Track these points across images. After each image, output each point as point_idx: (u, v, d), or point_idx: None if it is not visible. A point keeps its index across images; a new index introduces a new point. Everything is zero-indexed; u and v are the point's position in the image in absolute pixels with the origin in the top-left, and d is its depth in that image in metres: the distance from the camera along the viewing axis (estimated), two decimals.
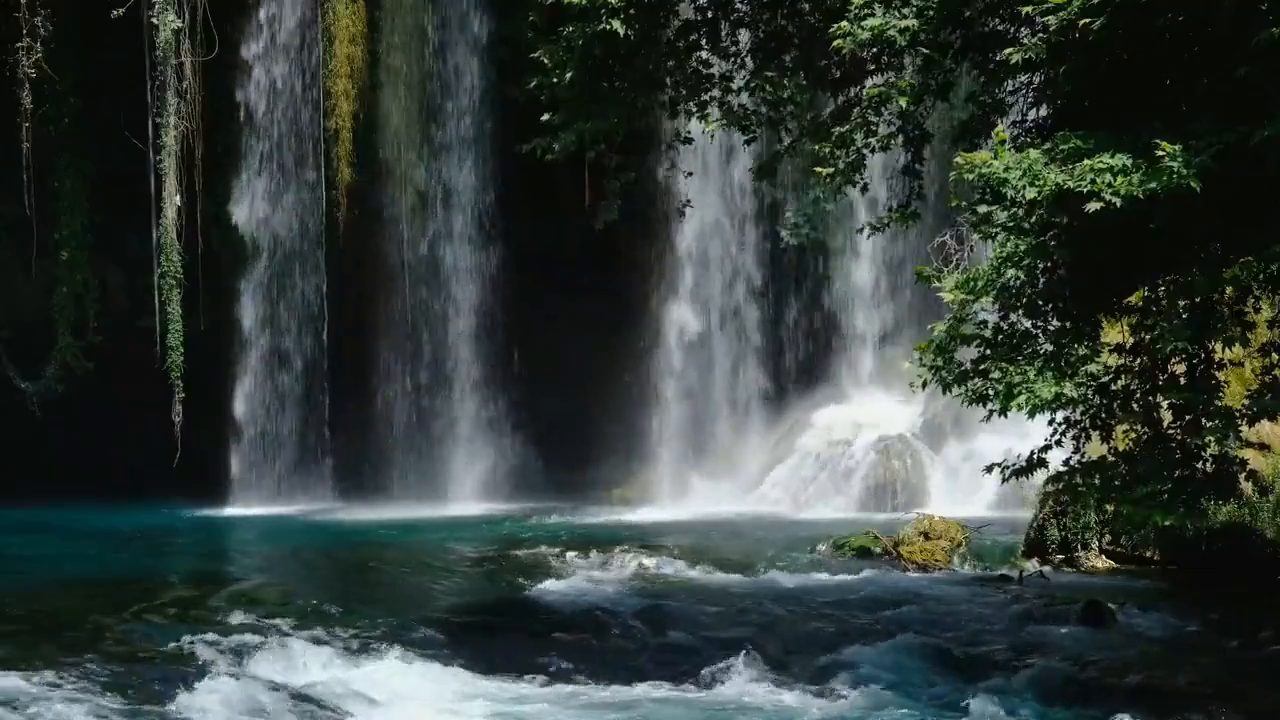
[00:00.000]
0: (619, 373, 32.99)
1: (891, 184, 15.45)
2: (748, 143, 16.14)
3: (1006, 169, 11.08)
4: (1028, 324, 11.99)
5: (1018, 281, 11.62)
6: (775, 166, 16.51)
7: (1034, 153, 11.20)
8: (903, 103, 13.08)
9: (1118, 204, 10.59)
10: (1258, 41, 10.58)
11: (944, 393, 12.10)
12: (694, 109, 15.88)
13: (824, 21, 13.92)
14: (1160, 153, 10.48)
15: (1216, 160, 10.45)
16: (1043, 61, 11.96)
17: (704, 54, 15.70)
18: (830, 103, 15.10)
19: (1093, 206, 10.65)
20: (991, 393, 11.64)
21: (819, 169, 14.18)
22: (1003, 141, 11.50)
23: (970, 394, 11.84)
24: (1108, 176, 10.62)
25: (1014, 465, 12.62)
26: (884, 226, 14.48)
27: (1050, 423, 12.21)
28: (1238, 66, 10.80)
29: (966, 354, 12.07)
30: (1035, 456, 12.54)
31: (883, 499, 29.57)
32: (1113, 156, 10.69)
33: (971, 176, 11.30)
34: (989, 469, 12.96)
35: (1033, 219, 11.16)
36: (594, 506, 30.48)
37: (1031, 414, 11.58)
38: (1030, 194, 10.90)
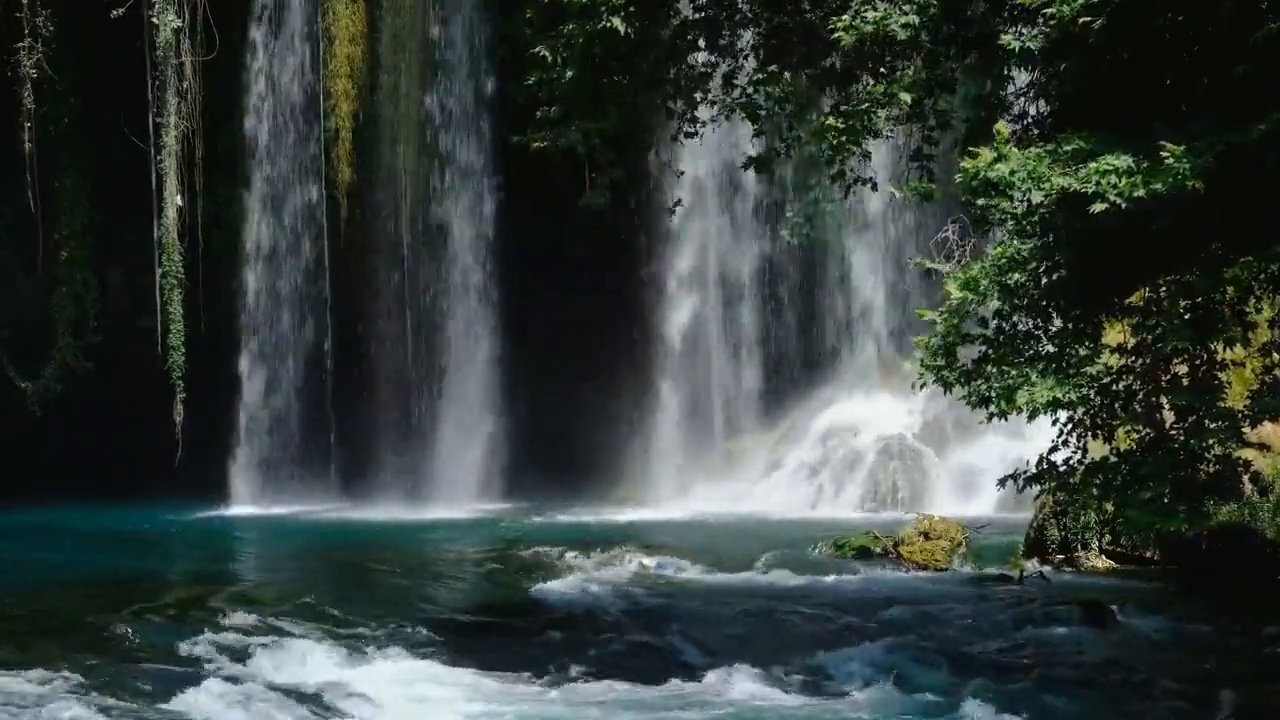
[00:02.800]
0: (619, 372, 32.98)
1: (900, 178, 15.35)
2: (756, 135, 16.10)
3: (1012, 173, 11.03)
4: (1029, 324, 11.96)
5: (1019, 282, 11.60)
6: (772, 161, 16.45)
7: (1035, 150, 11.15)
8: (907, 98, 13.04)
9: (1121, 205, 10.57)
10: (1256, 40, 10.57)
11: (945, 393, 12.08)
12: (695, 105, 15.83)
13: (824, 20, 13.90)
14: (1165, 154, 10.46)
15: (1218, 161, 10.43)
16: (1043, 52, 11.94)
17: (704, 53, 15.68)
18: (831, 101, 15.06)
19: (1098, 208, 10.62)
20: (993, 394, 11.61)
21: (827, 162, 14.07)
22: (1005, 141, 11.45)
23: (972, 395, 11.81)
24: (1111, 178, 10.59)
25: (1025, 473, 12.58)
26: (909, 191, 14.33)
27: (1054, 423, 12.17)
28: (1237, 65, 10.79)
29: (968, 353, 12.05)
30: (1044, 461, 12.49)
31: (883, 499, 29.56)
32: (1117, 158, 10.66)
33: (976, 181, 11.23)
34: (1002, 482, 12.91)
35: (1034, 218, 11.13)
36: (594, 506, 30.47)
37: (1031, 416, 11.56)
38: (1036, 197, 10.86)
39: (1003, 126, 11.65)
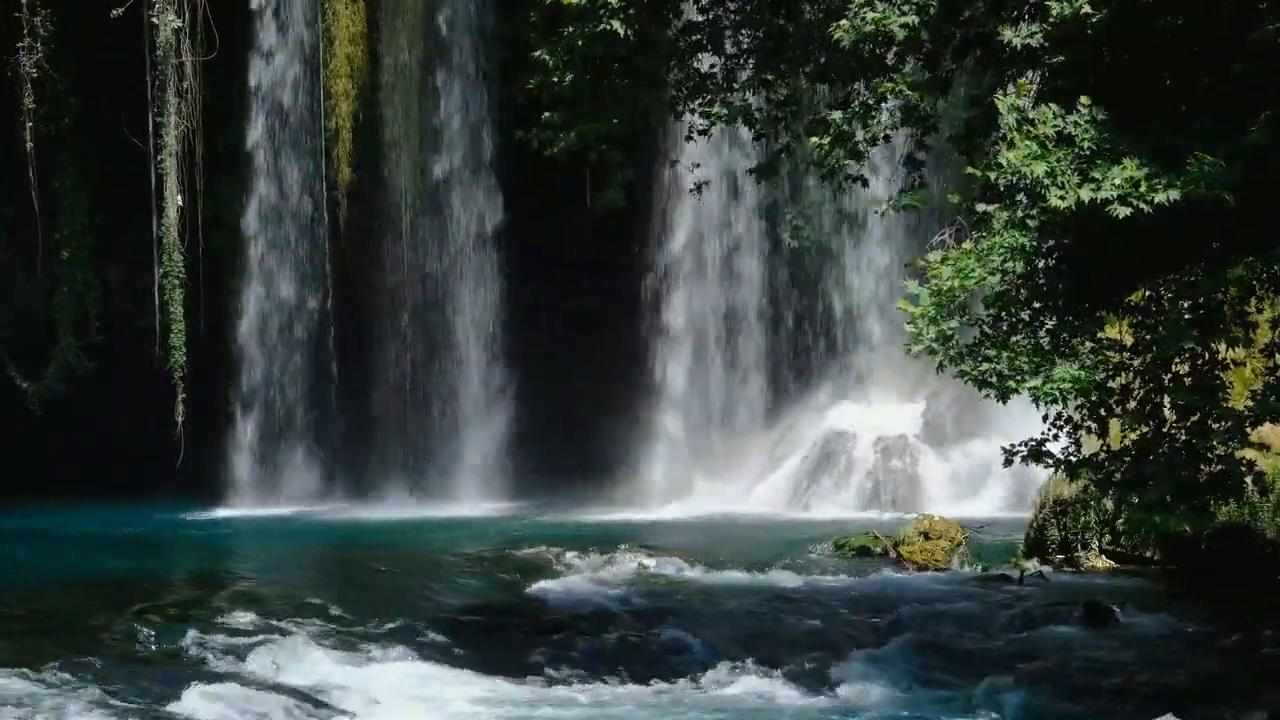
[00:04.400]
0: (619, 372, 32.99)
1: (893, 181, 15.34)
2: (757, 139, 16.09)
3: (1047, 173, 10.88)
4: (1028, 314, 11.92)
5: (1020, 272, 11.54)
6: (775, 167, 16.47)
7: (1049, 128, 11.02)
8: (910, 94, 12.99)
9: (1145, 209, 10.49)
10: (1252, 40, 10.56)
11: (938, 371, 12.01)
12: (695, 108, 15.83)
13: (824, 21, 13.90)
14: (1191, 164, 10.38)
15: (1246, 172, 10.34)
16: (1044, 50, 11.92)
17: (705, 54, 15.68)
18: (829, 99, 15.04)
19: (1123, 212, 10.53)
20: (995, 378, 11.53)
21: (818, 162, 14.07)
22: (1025, 109, 11.26)
23: (971, 375, 11.71)
24: (1142, 186, 10.52)
25: (1022, 451, 12.52)
26: (899, 208, 14.30)
27: (1044, 418, 12.13)
28: (1235, 64, 10.78)
29: (965, 334, 11.98)
30: (1039, 444, 12.43)
31: (883, 499, 29.56)
32: (1138, 168, 10.58)
33: (1004, 181, 11.09)
34: (1006, 450, 12.76)
35: (1034, 210, 11.07)
36: (594, 506, 30.47)
37: (1051, 400, 11.43)
38: (1054, 199, 10.77)
39: (1024, 84, 11.54)
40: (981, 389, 11.70)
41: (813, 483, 30.67)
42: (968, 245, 11.75)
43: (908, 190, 14.26)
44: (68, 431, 32.84)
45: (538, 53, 14.92)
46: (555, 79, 14.76)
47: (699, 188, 17.26)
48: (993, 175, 11.19)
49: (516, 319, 33.49)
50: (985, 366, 11.62)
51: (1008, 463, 12.57)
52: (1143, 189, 10.47)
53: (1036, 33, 11.83)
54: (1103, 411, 12.02)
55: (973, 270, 11.51)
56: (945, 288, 11.58)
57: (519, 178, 32.06)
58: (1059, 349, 11.59)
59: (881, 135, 13.96)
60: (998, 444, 12.85)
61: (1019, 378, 11.35)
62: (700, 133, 16.29)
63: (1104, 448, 12.29)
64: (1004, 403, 11.71)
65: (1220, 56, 11.13)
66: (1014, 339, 11.76)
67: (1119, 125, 11.00)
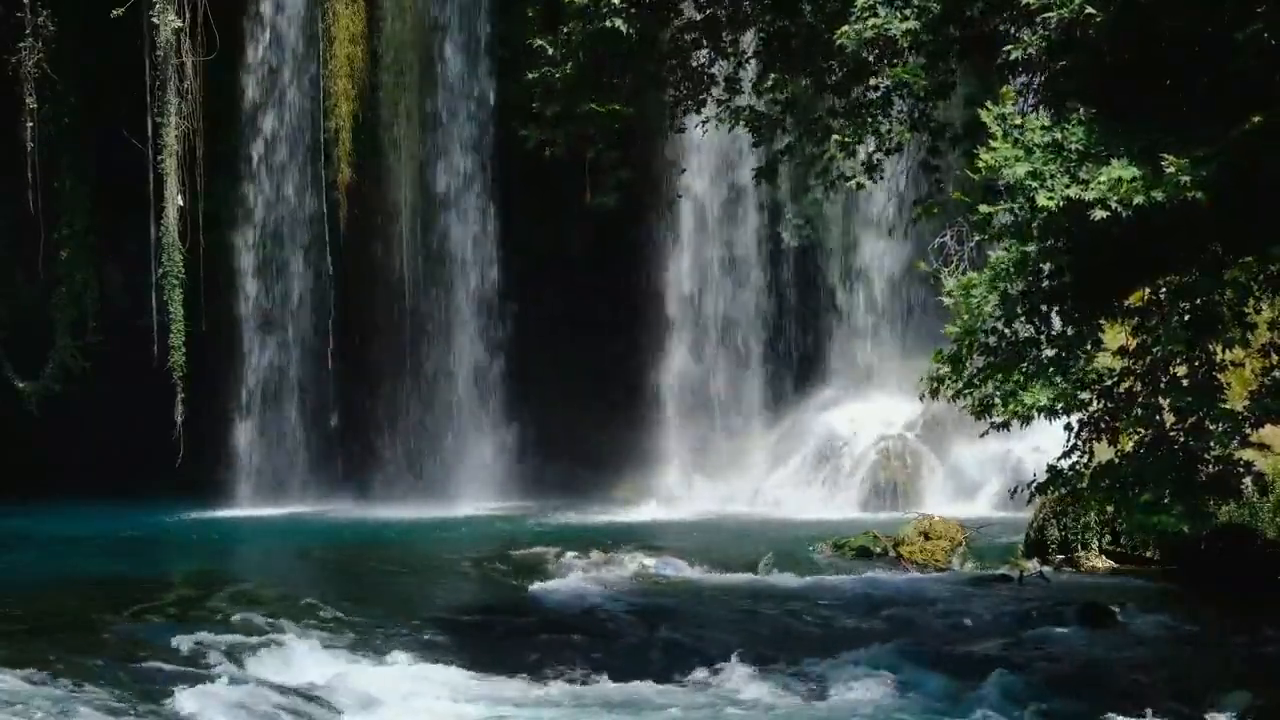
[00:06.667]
0: (619, 372, 32.99)
1: (893, 183, 15.37)
2: (756, 144, 16.11)
3: (1028, 173, 10.90)
4: (1030, 330, 11.92)
5: (1020, 289, 11.56)
6: (775, 169, 16.48)
7: (1039, 136, 11.04)
8: (917, 85, 12.98)
9: (1123, 213, 10.52)
10: (1238, 40, 10.56)
11: (949, 401, 12.05)
12: (696, 109, 15.83)
13: (825, 23, 13.90)
14: (1166, 165, 10.40)
15: (1222, 171, 10.37)
16: (1042, 61, 11.93)
17: (707, 55, 15.68)
18: (832, 103, 15.04)
19: (1099, 214, 10.58)
20: (995, 402, 11.57)
21: (822, 170, 14.11)
22: (1010, 107, 11.27)
23: (975, 404, 11.76)
24: (1124, 188, 10.54)
25: (1035, 481, 12.56)
26: (915, 220, 14.31)
27: (1066, 428, 12.15)
28: (1234, 64, 10.78)
29: (973, 364, 12.02)
30: (1051, 469, 12.47)
31: (883, 499, 29.56)
32: (1124, 168, 10.60)
33: (990, 179, 11.11)
34: (1013, 493, 12.96)
35: (1035, 222, 11.08)
36: (594, 506, 30.48)
37: (1025, 422, 11.52)
38: (1042, 199, 10.79)
39: (1008, 91, 11.54)
40: (988, 415, 11.75)
41: (813, 483, 30.69)
42: (976, 275, 11.75)
43: (927, 197, 14.27)
44: (67, 432, 32.82)
45: (539, 41, 14.85)
46: (555, 72, 14.72)
47: (673, 201, 17.26)
48: (978, 177, 11.21)
49: (517, 319, 33.49)
50: (981, 391, 11.66)
51: (1013, 494, 12.62)
52: (1124, 190, 10.50)
53: (1036, 39, 11.83)
54: (1108, 418, 12.03)
55: (985, 299, 11.55)
56: (966, 321, 11.63)
57: (519, 178, 32.04)
58: (1063, 360, 11.61)
59: (893, 144, 13.97)
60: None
61: (1005, 404, 11.39)
62: (679, 132, 16.28)
63: (1117, 454, 12.29)
64: (1005, 429, 11.78)
65: (1220, 57, 11.12)
66: (1018, 351, 11.77)
67: (1113, 128, 11.01)
